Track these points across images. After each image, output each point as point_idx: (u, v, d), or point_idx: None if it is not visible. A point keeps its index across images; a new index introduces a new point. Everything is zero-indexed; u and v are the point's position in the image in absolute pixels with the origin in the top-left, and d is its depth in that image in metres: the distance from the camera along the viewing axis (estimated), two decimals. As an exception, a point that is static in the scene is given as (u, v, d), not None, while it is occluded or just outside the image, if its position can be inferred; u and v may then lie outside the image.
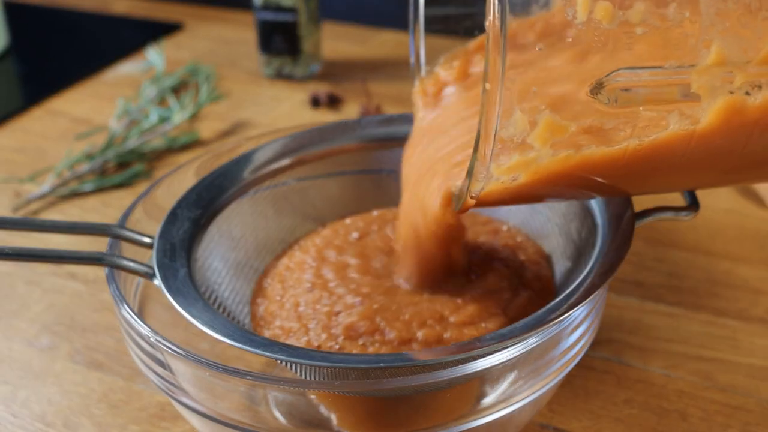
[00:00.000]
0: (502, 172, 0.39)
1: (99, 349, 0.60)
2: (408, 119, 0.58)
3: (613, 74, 0.37)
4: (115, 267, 0.47)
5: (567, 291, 0.43)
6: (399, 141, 0.58)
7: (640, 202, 0.50)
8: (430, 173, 0.46)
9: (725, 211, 0.73)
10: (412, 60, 0.54)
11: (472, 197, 0.40)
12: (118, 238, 0.50)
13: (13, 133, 0.91)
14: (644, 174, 0.40)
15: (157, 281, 0.46)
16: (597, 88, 0.37)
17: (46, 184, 0.79)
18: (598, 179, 0.40)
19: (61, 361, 0.59)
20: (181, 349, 0.42)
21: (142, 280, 0.51)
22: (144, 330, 0.43)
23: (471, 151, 0.38)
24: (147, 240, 0.50)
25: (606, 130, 0.38)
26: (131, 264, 0.47)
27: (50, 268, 0.69)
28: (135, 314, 0.44)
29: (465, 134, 0.46)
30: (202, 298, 0.46)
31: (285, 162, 0.57)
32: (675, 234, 0.70)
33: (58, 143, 0.88)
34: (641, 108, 0.37)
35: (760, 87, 0.37)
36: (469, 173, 0.38)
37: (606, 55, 0.36)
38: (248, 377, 0.41)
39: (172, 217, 0.51)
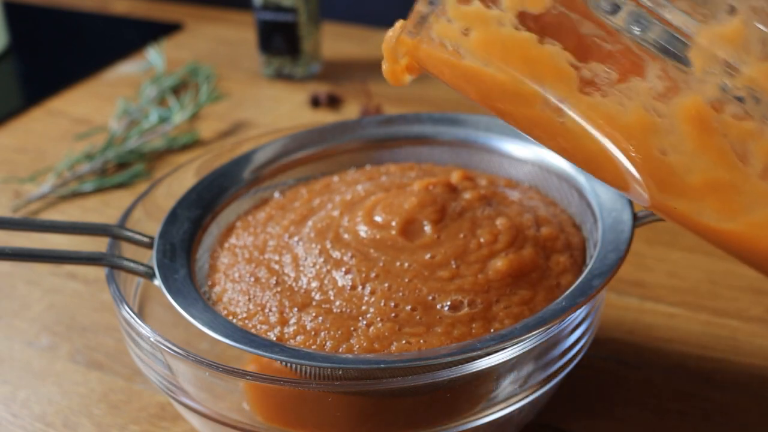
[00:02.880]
0: (457, 14, 0.35)
1: (99, 349, 0.60)
2: (408, 119, 0.58)
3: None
4: (115, 267, 0.47)
5: (567, 291, 0.43)
6: (400, 141, 0.58)
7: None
8: None
9: (725, 211, 0.73)
10: None
11: (415, 30, 0.35)
12: (118, 238, 0.50)
13: (13, 133, 0.91)
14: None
15: (157, 281, 0.46)
16: (614, 6, 0.33)
17: (46, 184, 0.79)
18: (546, 93, 0.35)
19: (61, 361, 0.59)
20: (181, 349, 0.42)
21: (142, 280, 0.51)
22: (144, 330, 0.43)
23: None
24: (147, 240, 0.50)
25: (587, 38, 0.33)
26: (131, 264, 0.47)
27: (50, 268, 0.69)
28: (135, 314, 0.44)
29: None
30: (202, 299, 0.46)
31: (285, 162, 0.57)
32: (675, 234, 0.70)
33: (58, 143, 0.88)
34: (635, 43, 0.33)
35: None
36: None
37: None
38: (248, 377, 0.41)
39: (172, 217, 0.51)
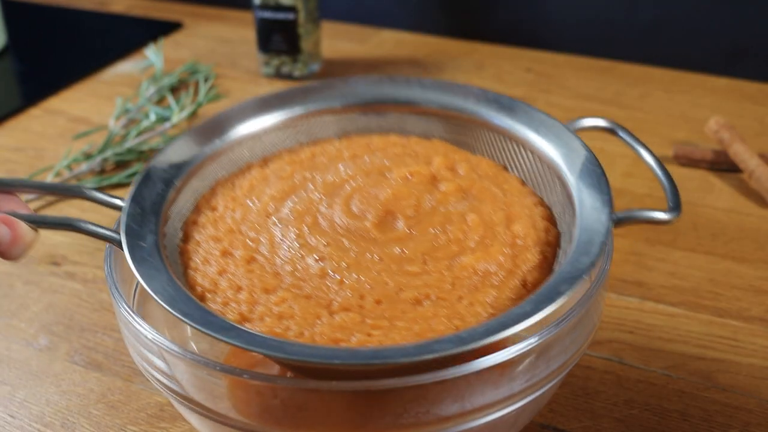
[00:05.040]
0: None
1: (97, 349, 0.60)
2: (397, 81, 0.56)
3: None
4: (81, 232, 0.45)
5: (533, 294, 0.42)
6: (387, 105, 0.56)
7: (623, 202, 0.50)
8: None
9: (726, 211, 0.73)
10: None
11: None
12: (90, 200, 0.48)
13: (11, 132, 0.91)
14: None
15: (122, 248, 0.45)
16: None
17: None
18: None
19: (60, 362, 0.59)
20: (180, 348, 0.42)
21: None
22: (143, 330, 0.43)
23: None
24: (119, 203, 0.48)
25: None
26: (98, 229, 0.45)
27: (49, 268, 0.69)
28: (134, 314, 0.44)
29: None
30: (167, 270, 0.44)
31: (267, 122, 0.55)
32: (675, 234, 0.70)
33: (56, 142, 0.88)
34: None
35: None
36: None
37: None
38: (246, 376, 0.41)
39: (146, 179, 0.49)
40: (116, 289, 0.46)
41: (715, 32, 0.97)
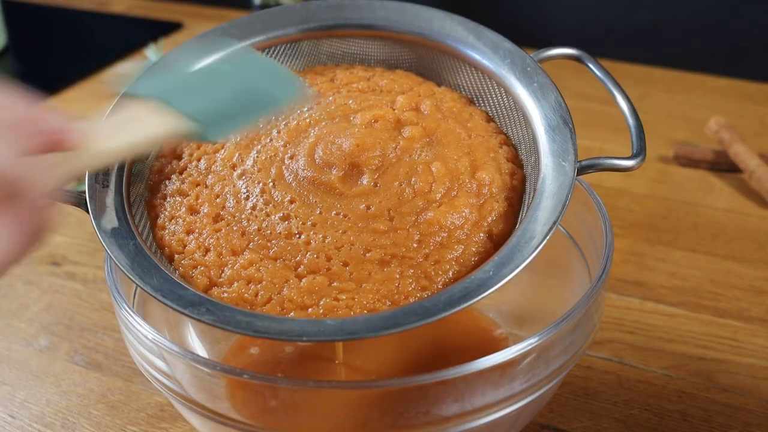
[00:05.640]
0: None
1: (98, 349, 0.60)
2: (361, 6, 0.54)
3: None
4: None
5: (495, 256, 0.42)
6: (350, 30, 0.54)
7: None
8: None
9: (726, 211, 0.73)
10: None
11: None
12: None
13: (11, 132, 0.91)
14: None
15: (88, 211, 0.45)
16: None
17: (45, 183, 0.78)
18: None
19: (60, 362, 0.59)
20: (180, 348, 0.42)
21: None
22: (143, 330, 0.43)
23: None
24: None
25: None
26: (62, 194, 0.44)
27: (49, 268, 0.69)
28: (135, 314, 0.44)
29: None
30: (135, 238, 0.44)
31: (223, 52, 0.52)
32: (676, 234, 0.70)
33: (56, 142, 0.88)
34: None
35: None
36: None
37: None
38: (246, 376, 0.41)
39: None
40: (116, 289, 0.46)
41: (715, 32, 0.97)
